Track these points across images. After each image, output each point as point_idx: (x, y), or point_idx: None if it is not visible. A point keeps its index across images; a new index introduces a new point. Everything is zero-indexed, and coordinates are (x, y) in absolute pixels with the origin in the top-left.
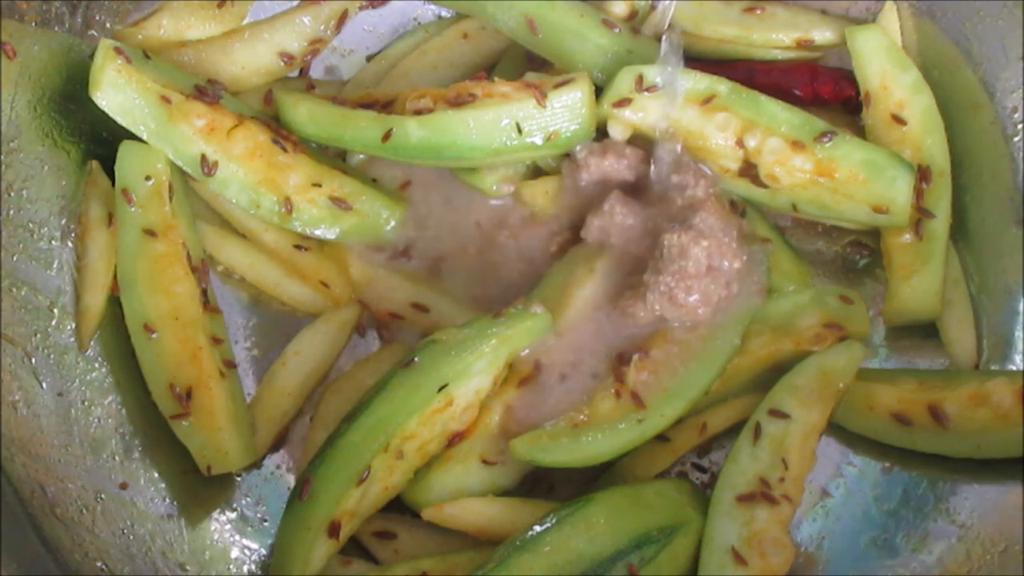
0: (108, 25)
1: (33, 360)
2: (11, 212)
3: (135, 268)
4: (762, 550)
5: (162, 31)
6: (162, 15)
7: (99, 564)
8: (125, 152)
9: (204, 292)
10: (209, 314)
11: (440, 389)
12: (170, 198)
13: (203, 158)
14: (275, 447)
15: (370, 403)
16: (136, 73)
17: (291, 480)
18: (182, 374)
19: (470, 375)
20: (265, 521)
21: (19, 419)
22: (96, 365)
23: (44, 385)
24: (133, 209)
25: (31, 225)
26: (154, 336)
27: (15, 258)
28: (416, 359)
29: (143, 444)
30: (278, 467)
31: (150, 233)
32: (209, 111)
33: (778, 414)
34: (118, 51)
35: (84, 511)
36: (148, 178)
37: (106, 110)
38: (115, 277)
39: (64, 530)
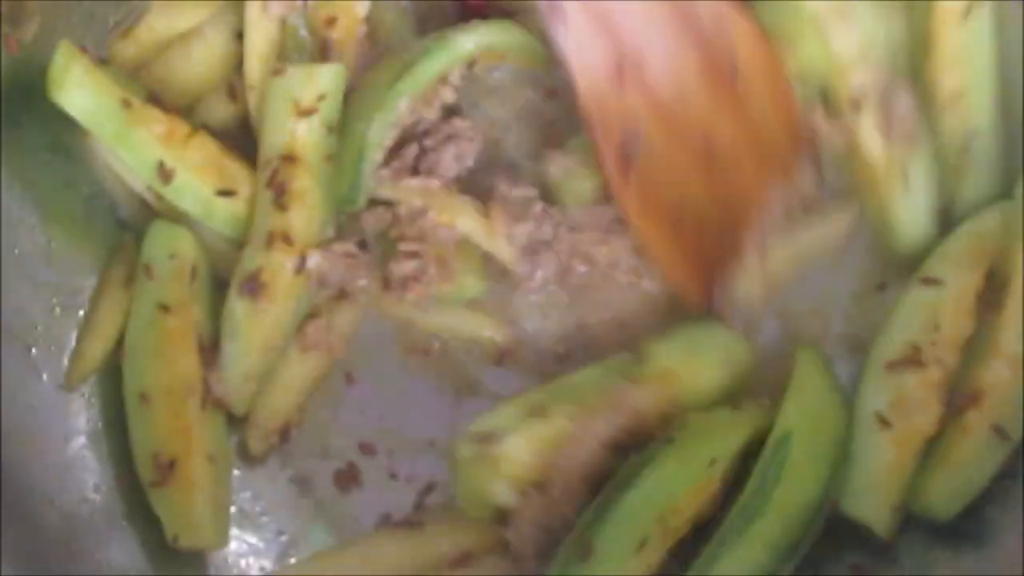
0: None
1: (33, 352)
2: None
3: (144, 339)
4: (906, 412)
5: (152, 32)
6: (150, 16)
7: (97, 556)
8: (154, 231)
9: (207, 381)
10: (211, 409)
11: (711, 463)
12: (192, 279)
13: (161, 165)
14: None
15: (641, 472)
16: (100, 75)
17: (288, 473)
18: (169, 445)
19: (731, 455)
20: (264, 515)
21: (18, 411)
22: None
23: (44, 377)
24: (152, 283)
25: None
26: (148, 404)
27: (16, 251)
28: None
29: None
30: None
31: (164, 308)
32: (167, 118)
33: (931, 281)
34: (83, 50)
35: (83, 503)
36: (172, 256)
37: (68, 110)
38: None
39: (62, 522)
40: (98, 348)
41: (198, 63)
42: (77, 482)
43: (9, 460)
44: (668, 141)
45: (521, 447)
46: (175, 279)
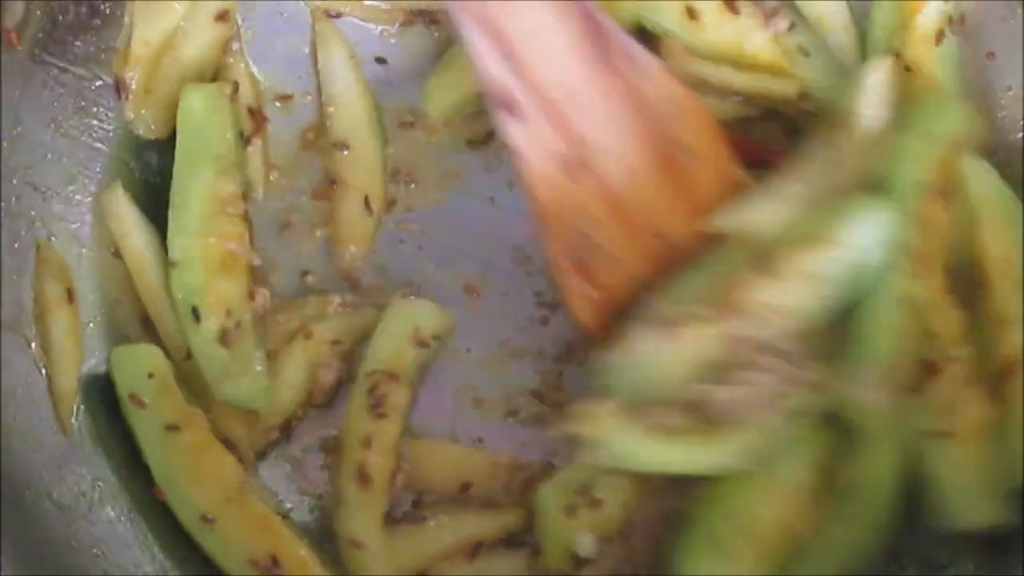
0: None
1: (32, 346)
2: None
3: (172, 468)
4: (957, 413)
5: (148, 46)
6: (139, 30)
7: (95, 551)
8: (118, 359)
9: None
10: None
11: None
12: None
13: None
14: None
15: None
16: (231, 107)
17: (287, 468)
18: (259, 545)
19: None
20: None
21: (17, 405)
22: (96, 353)
23: (43, 372)
24: (147, 411)
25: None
26: (215, 522)
27: (16, 245)
28: None
29: None
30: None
31: (173, 428)
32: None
33: (901, 301)
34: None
35: (81, 498)
36: (151, 376)
37: (182, 107)
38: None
39: (60, 516)
40: (72, 379)
41: (189, 63)
42: (75, 476)
43: (8, 454)
44: (621, 234)
45: (610, 500)
46: (167, 395)
